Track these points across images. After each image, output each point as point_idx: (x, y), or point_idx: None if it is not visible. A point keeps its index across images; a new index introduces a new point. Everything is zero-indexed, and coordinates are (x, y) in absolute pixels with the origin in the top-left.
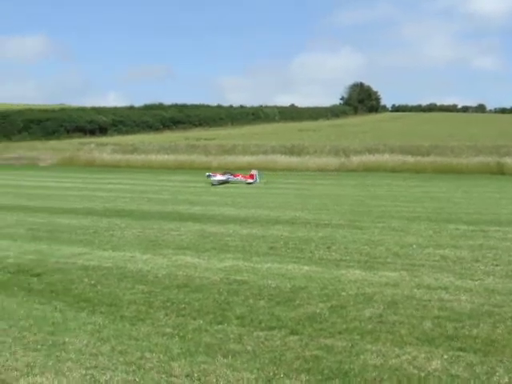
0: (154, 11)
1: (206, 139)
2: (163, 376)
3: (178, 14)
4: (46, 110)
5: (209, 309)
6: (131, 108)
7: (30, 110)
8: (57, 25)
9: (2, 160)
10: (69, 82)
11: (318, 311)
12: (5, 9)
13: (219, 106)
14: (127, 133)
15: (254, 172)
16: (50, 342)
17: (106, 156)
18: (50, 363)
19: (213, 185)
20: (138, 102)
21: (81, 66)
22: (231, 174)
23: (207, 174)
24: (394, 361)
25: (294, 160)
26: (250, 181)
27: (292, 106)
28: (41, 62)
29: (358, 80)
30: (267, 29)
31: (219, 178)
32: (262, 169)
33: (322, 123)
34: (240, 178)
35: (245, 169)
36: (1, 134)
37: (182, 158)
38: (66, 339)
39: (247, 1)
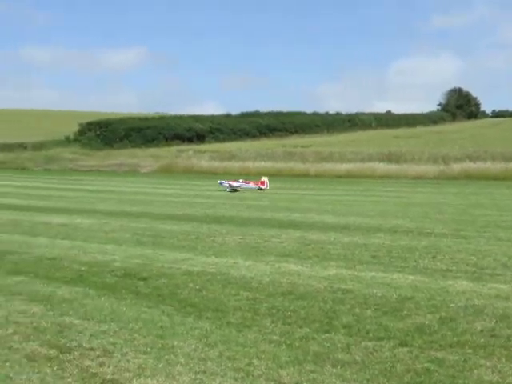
0: (250, 22)
1: (302, 146)
2: (272, 383)
3: (274, 23)
4: (145, 119)
5: (315, 317)
6: (228, 116)
7: (131, 119)
8: (155, 36)
9: (105, 166)
10: (167, 91)
11: (426, 322)
12: (106, 22)
13: (315, 113)
14: (224, 140)
15: (264, 179)
16: (160, 345)
17: (204, 163)
18: (161, 366)
19: (227, 191)
20: (235, 110)
21: (179, 76)
22: (243, 182)
23: (219, 181)
24: (511, 378)
25: (392, 167)
26: (262, 187)
27: (388, 112)
28: (140, 71)
29: (457, 85)
30: (363, 35)
31: (233, 184)
32: (359, 176)
33: (420, 130)
34: (251, 184)
35: (343, 176)
36: (103, 141)
37: (280, 165)
38: (175, 343)
39: (343, 9)
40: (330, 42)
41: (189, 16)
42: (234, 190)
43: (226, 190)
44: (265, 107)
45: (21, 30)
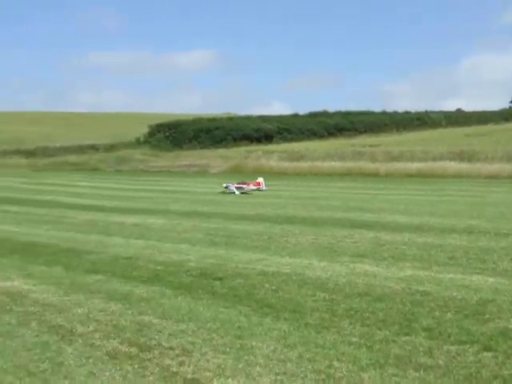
0: (317, 24)
1: (371, 146)
2: None
3: (342, 25)
4: (214, 120)
5: (393, 319)
6: (296, 116)
7: (200, 120)
8: (223, 39)
9: (175, 167)
10: (235, 92)
11: (510, 327)
12: (175, 25)
13: (384, 112)
14: (292, 140)
15: (260, 179)
16: (238, 346)
17: (273, 163)
18: (240, 366)
19: (236, 193)
20: (303, 110)
21: (246, 77)
22: (244, 183)
23: (225, 184)
24: None
25: (464, 166)
26: (260, 187)
27: (458, 110)
28: (208, 73)
29: None
30: (432, 33)
31: (243, 187)
32: (430, 175)
33: (491, 128)
34: (251, 186)
35: (414, 175)
36: (172, 143)
37: (349, 164)
38: (254, 343)
39: (411, 6)
40: (398, 40)
41: (256, 20)
42: (243, 192)
43: (234, 193)
44: (333, 107)
45: (91, 34)
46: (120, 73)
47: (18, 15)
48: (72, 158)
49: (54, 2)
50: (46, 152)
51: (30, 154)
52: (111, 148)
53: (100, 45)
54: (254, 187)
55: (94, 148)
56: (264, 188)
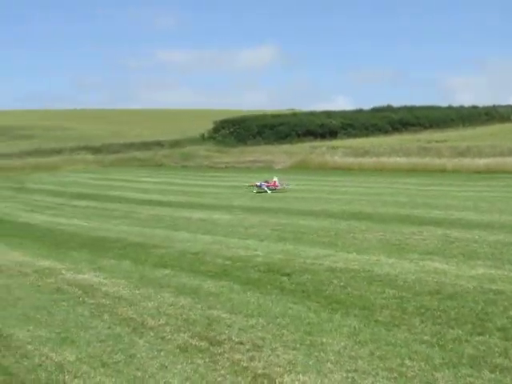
0: (381, 19)
1: (437, 141)
2: None
3: (405, 19)
4: (278, 116)
5: (466, 318)
6: (360, 111)
7: (264, 116)
8: (286, 35)
9: (240, 163)
10: (298, 88)
11: None
12: (237, 23)
13: (449, 107)
14: (356, 136)
15: (275, 179)
16: (308, 342)
17: (338, 159)
18: (311, 363)
19: (269, 192)
20: (367, 105)
21: (309, 72)
22: (266, 182)
23: (259, 183)
24: None
25: None
26: (275, 187)
27: None
28: (272, 70)
29: None
30: (500, 27)
31: (268, 185)
32: (499, 171)
33: None
34: (272, 186)
35: (482, 171)
36: (237, 139)
37: (415, 160)
38: (324, 340)
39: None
40: (464, 34)
41: (318, 15)
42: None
43: (266, 192)
44: (397, 102)
45: (157, 32)
46: (185, 70)
47: (87, 14)
48: (137, 154)
49: (120, 0)
50: (111, 148)
51: (96, 150)
52: (176, 144)
53: (165, 43)
54: (273, 187)
55: (159, 144)
56: (280, 187)
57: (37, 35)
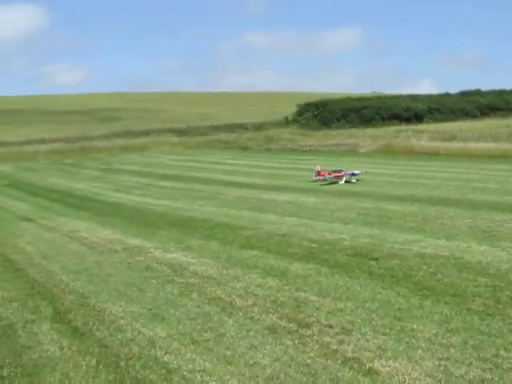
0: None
1: None
2: None
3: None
4: (362, 99)
5: None
6: (447, 95)
7: (348, 99)
8: (371, 18)
9: (323, 146)
10: (382, 71)
11: None
12: (319, 6)
13: None
14: (443, 120)
15: (317, 167)
16: (398, 327)
17: (424, 143)
18: (401, 349)
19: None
20: (454, 89)
21: (394, 56)
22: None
23: (357, 171)
24: None
25: None
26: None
27: None
28: (356, 53)
29: None
30: None
31: (337, 176)
32: None
33: None
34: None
35: None
36: (320, 122)
37: (504, 146)
38: (414, 326)
39: None
40: None
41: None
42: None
43: (337, 183)
44: (486, 86)
45: (244, 15)
46: (270, 53)
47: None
48: (222, 136)
49: None
50: (197, 131)
51: (182, 132)
52: (260, 127)
53: (251, 26)
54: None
55: (243, 127)
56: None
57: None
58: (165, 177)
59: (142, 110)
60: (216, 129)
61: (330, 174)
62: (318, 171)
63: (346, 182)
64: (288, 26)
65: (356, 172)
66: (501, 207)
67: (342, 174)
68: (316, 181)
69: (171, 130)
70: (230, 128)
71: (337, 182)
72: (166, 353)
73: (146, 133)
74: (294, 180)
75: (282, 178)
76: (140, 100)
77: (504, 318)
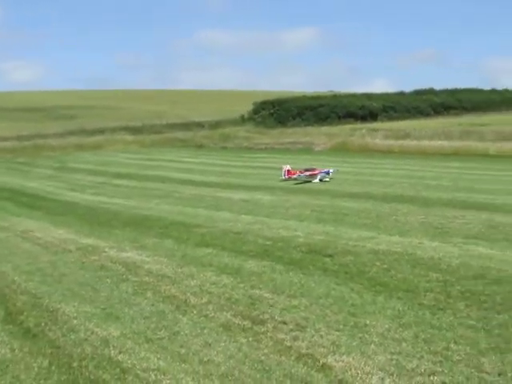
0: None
1: (480, 125)
2: (473, 371)
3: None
4: (318, 97)
5: None
6: (401, 93)
7: (304, 98)
8: (328, 17)
9: (279, 144)
10: (338, 70)
11: None
12: (277, 5)
13: (493, 91)
14: (397, 118)
15: (287, 167)
16: (352, 323)
17: (379, 141)
18: (355, 344)
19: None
20: (408, 88)
21: (349, 54)
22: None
23: (329, 170)
24: None
25: None
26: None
27: None
28: (312, 51)
29: None
30: None
31: (311, 174)
32: None
33: None
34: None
35: None
36: (276, 120)
37: (457, 144)
38: (367, 321)
39: None
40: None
41: None
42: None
43: (311, 182)
44: (439, 85)
45: (199, 13)
46: (226, 52)
47: None
48: (178, 134)
49: None
50: (152, 129)
51: (137, 130)
52: (216, 125)
53: (207, 23)
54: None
55: (199, 125)
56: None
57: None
58: (119, 175)
59: (97, 107)
60: (172, 127)
61: (301, 172)
62: (288, 170)
63: (320, 180)
64: (246, 25)
65: (330, 170)
66: (452, 204)
67: (317, 172)
68: (286, 180)
69: (126, 128)
70: (186, 126)
71: (310, 181)
72: (119, 352)
73: (101, 131)
74: (250, 178)
75: (237, 176)
76: (95, 98)
77: (454, 312)
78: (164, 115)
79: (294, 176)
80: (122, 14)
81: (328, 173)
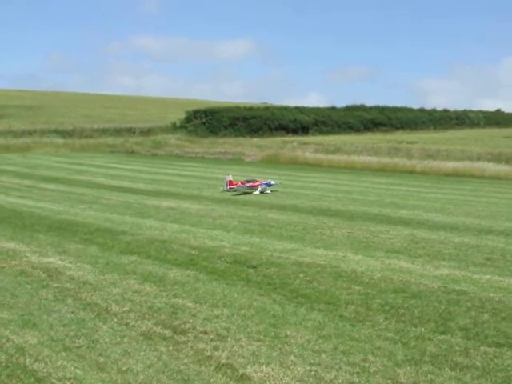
0: (355, 15)
1: (408, 142)
2: (388, 382)
3: (383, 19)
4: (250, 108)
5: (429, 317)
6: (333, 108)
7: (236, 108)
8: (262, 29)
9: (210, 154)
10: (271, 82)
11: None
12: (214, 15)
13: (421, 110)
14: (328, 133)
15: (230, 177)
16: (273, 334)
17: (309, 155)
18: (274, 355)
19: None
20: (340, 103)
21: (283, 68)
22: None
23: (271, 181)
24: None
25: (502, 168)
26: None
27: (498, 111)
28: (247, 63)
29: None
30: (474, 32)
31: (252, 185)
32: (467, 175)
33: None
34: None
35: (450, 174)
36: (208, 129)
37: (385, 160)
38: (288, 333)
39: (454, 8)
40: (439, 37)
41: (295, 11)
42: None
43: (252, 193)
44: (371, 101)
45: (134, 19)
46: (162, 58)
47: None
48: (108, 140)
49: None
50: (83, 133)
51: (67, 134)
52: (148, 132)
53: (141, 29)
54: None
55: (130, 131)
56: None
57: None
58: (47, 179)
59: (26, 108)
60: (103, 132)
61: (243, 183)
62: (230, 181)
63: (261, 192)
64: (181, 33)
65: (272, 182)
66: (378, 219)
67: (257, 183)
68: (227, 191)
69: (56, 131)
70: (118, 132)
71: (251, 193)
72: (35, 360)
73: (30, 133)
74: (179, 186)
75: (166, 184)
76: (24, 98)
77: (373, 325)
78: (95, 120)
79: (235, 187)
80: (54, 13)
81: (269, 184)
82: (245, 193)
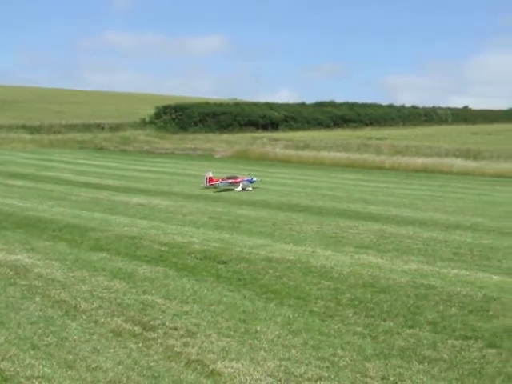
0: (325, 12)
1: (377, 139)
2: (358, 376)
3: (353, 15)
4: (221, 104)
5: (398, 311)
6: (303, 104)
7: (207, 104)
8: (232, 24)
9: (180, 150)
10: (242, 78)
11: None
12: (186, 11)
13: (391, 106)
14: (298, 129)
15: (210, 174)
16: (243, 330)
17: (279, 151)
18: (244, 350)
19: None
20: (310, 99)
21: (255, 64)
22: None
23: (252, 178)
24: None
25: (470, 164)
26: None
27: (465, 107)
28: (218, 59)
29: None
30: (442, 28)
31: (234, 182)
32: (435, 171)
33: (498, 127)
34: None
35: (419, 170)
36: (178, 125)
37: (354, 156)
38: (258, 328)
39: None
40: (408, 34)
41: (267, 7)
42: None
43: (233, 190)
44: (341, 98)
45: (105, 14)
46: (131, 54)
47: None
48: (77, 135)
49: None
50: (51, 129)
51: (34, 129)
52: (117, 128)
53: (112, 25)
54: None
55: (99, 127)
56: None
57: None
58: (14, 175)
59: None
60: (71, 127)
61: (223, 179)
62: (210, 177)
63: (242, 189)
64: (152, 29)
65: (254, 179)
66: (347, 214)
67: (239, 180)
68: (207, 188)
69: (24, 127)
70: (86, 127)
71: (232, 189)
72: (2, 359)
73: None
74: (148, 182)
75: (135, 180)
76: None
77: (343, 319)
78: (64, 115)
79: (216, 183)
80: (25, 8)
81: (251, 181)
82: (225, 189)
